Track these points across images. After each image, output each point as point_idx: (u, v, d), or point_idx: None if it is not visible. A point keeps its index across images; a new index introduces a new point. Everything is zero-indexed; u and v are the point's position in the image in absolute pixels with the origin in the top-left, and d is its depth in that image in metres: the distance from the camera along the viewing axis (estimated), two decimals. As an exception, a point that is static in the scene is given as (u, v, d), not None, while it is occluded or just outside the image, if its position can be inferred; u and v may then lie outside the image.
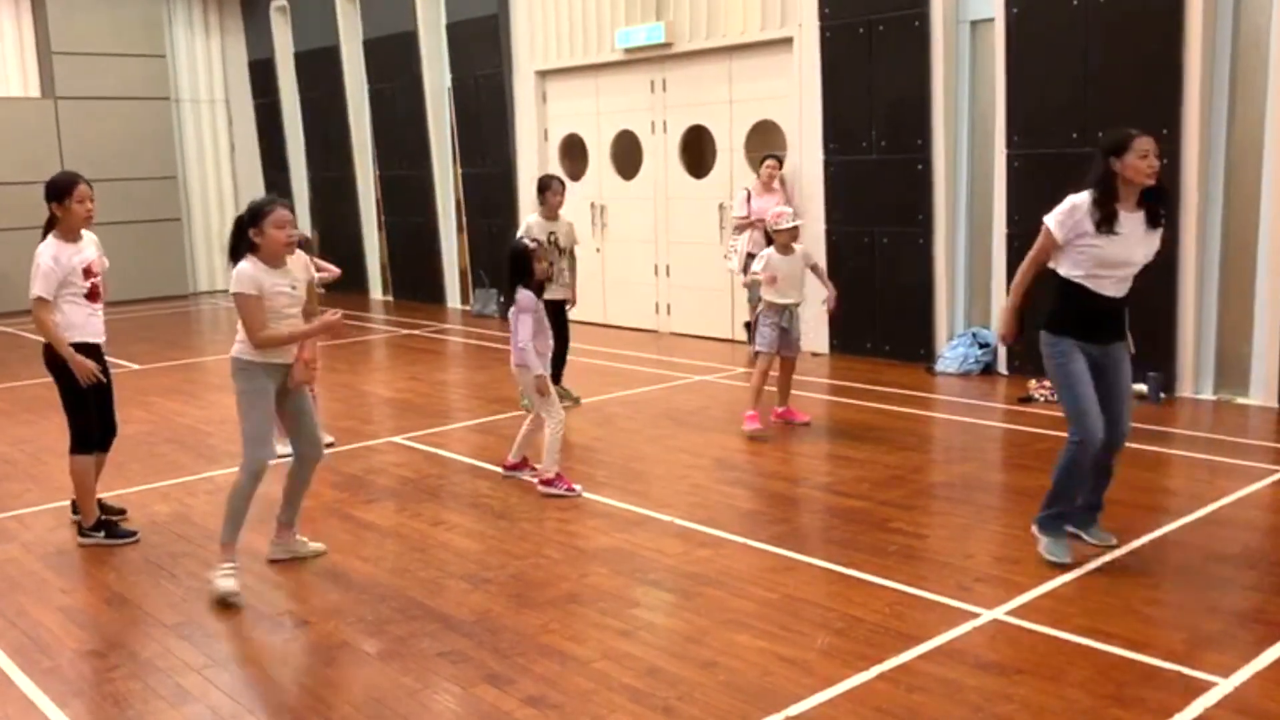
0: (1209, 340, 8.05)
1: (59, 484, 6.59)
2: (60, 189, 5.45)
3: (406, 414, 8.35)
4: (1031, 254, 4.85)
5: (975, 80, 9.28)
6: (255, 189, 17.39)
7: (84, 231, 5.64)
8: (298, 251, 5.02)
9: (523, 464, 6.54)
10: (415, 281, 15.21)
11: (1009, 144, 8.77)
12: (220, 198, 17.55)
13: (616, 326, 12.33)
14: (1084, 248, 4.65)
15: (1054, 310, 4.81)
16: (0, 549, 5.57)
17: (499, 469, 6.61)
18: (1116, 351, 4.85)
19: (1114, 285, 4.74)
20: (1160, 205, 4.72)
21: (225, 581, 4.79)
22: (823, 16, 9.88)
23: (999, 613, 4.37)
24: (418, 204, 14.63)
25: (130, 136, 16.06)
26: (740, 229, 10.31)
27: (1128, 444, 6.74)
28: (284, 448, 6.59)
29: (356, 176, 15.57)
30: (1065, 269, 4.75)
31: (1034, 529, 5.00)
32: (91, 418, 5.59)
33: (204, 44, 17.37)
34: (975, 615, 4.35)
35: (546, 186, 8.38)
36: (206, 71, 17.41)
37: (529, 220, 8.44)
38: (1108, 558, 4.92)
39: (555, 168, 13.05)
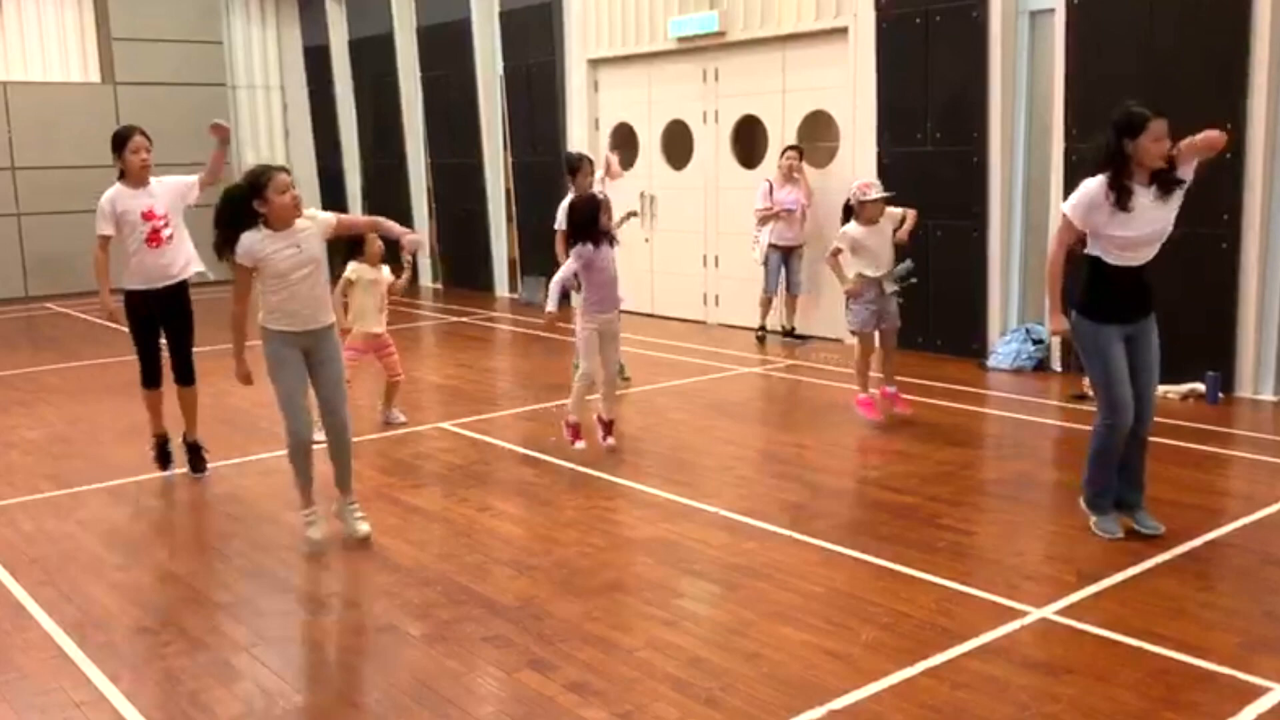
0: (1271, 339, 7.86)
1: (115, 463, 6.71)
2: (117, 140, 6.14)
3: (455, 400, 8.39)
4: (1055, 246, 4.94)
5: (1034, 72, 9.13)
6: (309, 175, 17.60)
7: (158, 180, 6.17)
8: (319, 214, 5.08)
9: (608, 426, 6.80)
10: (465, 269, 15.28)
11: (1067, 136, 8.62)
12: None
13: (664, 317, 12.31)
14: (1103, 229, 4.71)
15: (1085, 292, 4.88)
16: (56, 526, 5.68)
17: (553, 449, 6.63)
18: (1147, 325, 4.91)
19: (1139, 260, 4.80)
20: (1172, 175, 4.70)
21: (308, 529, 5.16)
22: (879, 7, 9.77)
23: (1048, 611, 4.30)
24: (468, 192, 14.69)
25: (187, 122, 16.15)
26: (764, 220, 10.27)
27: (1185, 443, 6.67)
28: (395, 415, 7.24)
29: (409, 164, 15.66)
30: (1094, 248, 4.83)
31: (1082, 503, 5.15)
32: (144, 357, 6.25)
33: (260, 31, 17.57)
34: (1024, 614, 4.29)
35: (577, 167, 8.33)
36: (262, 58, 17.61)
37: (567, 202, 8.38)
38: (1161, 558, 4.84)
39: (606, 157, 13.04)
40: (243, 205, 4.88)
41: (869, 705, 3.61)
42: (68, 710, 3.73)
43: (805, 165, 10.46)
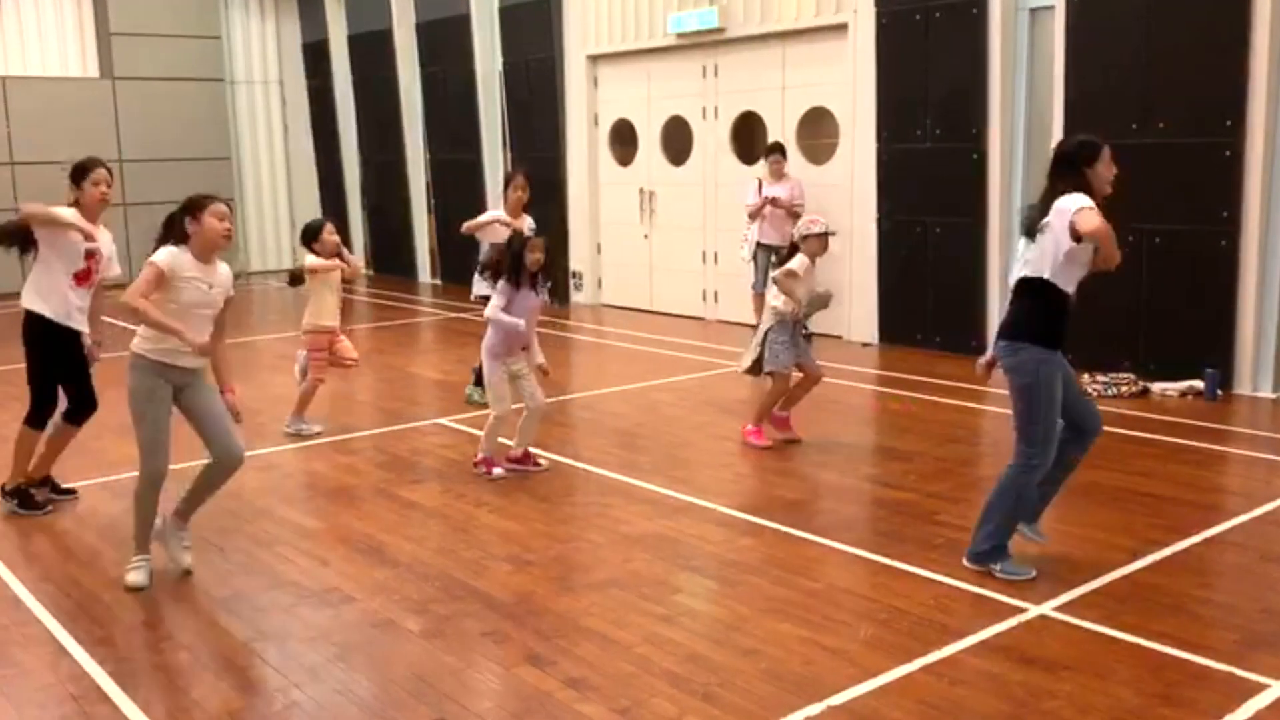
0: (1269, 337, 7.87)
1: (112, 458, 6.71)
2: (78, 171, 5.64)
3: (452, 396, 8.39)
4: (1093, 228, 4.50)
5: (1033, 68, 9.13)
6: (307, 170, 17.60)
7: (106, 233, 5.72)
8: (224, 267, 4.86)
9: (524, 457, 6.45)
10: (463, 265, 15.21)
11: (1067, 133, 8.62)
12: (273, 179, 17.75)
13: (663, 313, 12.31)
14: (1080, 253, 4.48)
15: (1041, 323, 4.58)
16: (54, 521, 5.68)
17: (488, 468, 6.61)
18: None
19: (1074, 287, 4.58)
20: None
21: (132, 574, 4.74)
22: (879, 3, 9.77)
23: (1046, 608, 4.31)
24: (467, 188, 14.67)
25: (186, 117, 16.27)
26: (753, 217, 10.27)
27: (1183, 440, 6.68)
28: (307, 427, 7.03)
29: (407, 160, 15.64)
30: (1059, 275, 4.51)
31: (973, 563, 4.71)
32: (45, 393, 5.71)
33: (259, 26, 17.54)
34: (1022, 610, 4.29)
35: (509, 181, 8.02)
36: (261, 53, 17.59)
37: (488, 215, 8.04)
38: (1159, 555, 4.84)
39: (604, 153, 13.05)
40: (178, 219, 4.71)
41: (867, 701, 3.62)
42: (66, 705, 3.73)
43: (805, 161, 10.44)
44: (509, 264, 6.18)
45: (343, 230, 12.13)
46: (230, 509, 5.79)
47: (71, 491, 6.05)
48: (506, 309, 6.14)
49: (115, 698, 3.76)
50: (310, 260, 7.24)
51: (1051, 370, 4.56)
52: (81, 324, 5.70)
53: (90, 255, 5.64)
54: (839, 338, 10.49)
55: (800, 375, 6.97)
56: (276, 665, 4.02)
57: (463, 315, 12.73)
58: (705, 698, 3.66)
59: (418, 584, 4.70)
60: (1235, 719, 3.47)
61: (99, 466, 6.58)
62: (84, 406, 5.83)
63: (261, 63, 17.61)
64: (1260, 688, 3.65)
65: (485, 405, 6.60)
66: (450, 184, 15.18)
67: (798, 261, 6.72)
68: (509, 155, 14.14)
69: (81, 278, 5.63)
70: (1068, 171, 4.57)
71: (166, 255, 4.63)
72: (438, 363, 9.99)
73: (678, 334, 11.03)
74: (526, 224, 7.64)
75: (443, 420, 7.60)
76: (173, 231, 4.72)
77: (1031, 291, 4.59)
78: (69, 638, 4.23)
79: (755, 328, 10.41)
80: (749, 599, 4.48)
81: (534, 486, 6.09)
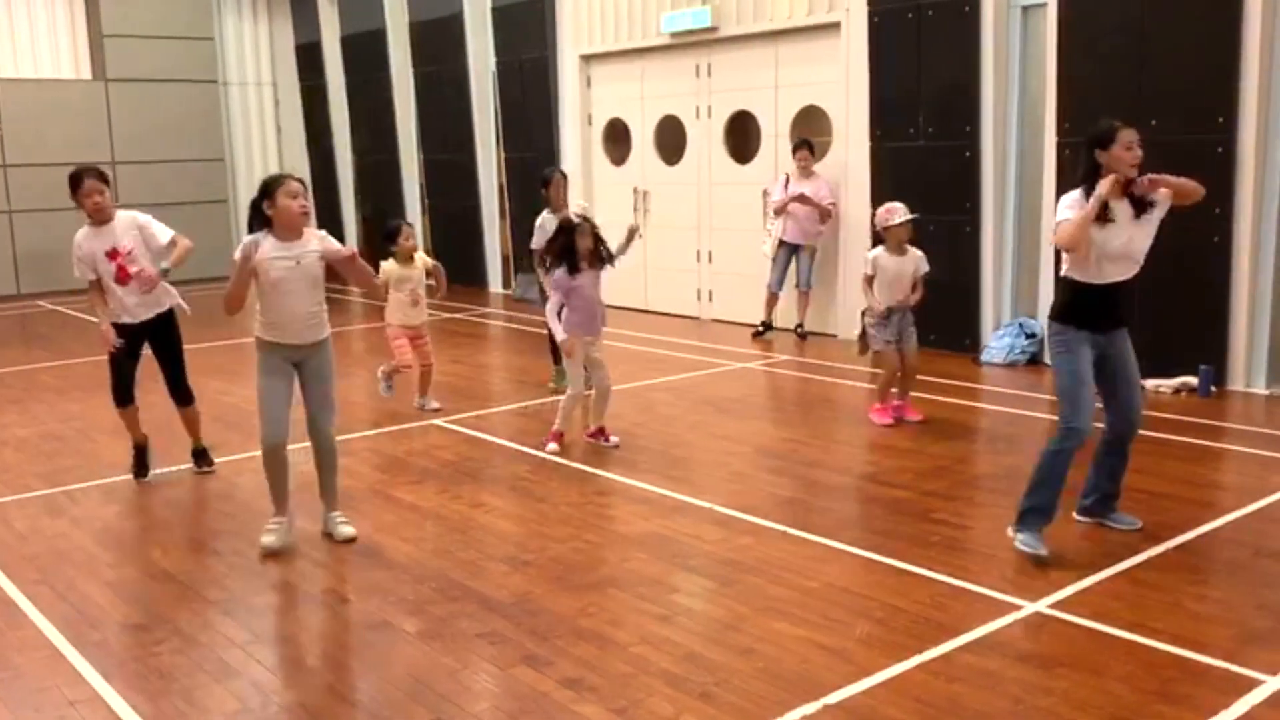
0: (1263, 333, 7.89)
1: (108, 460, 6.70)
2: (72, 182, 5.99)
3: (448, 397, 8.38)
4: (1056, 239, 4.85)
5: (1026, 66, 9.14)
6: (301, 172, 17.54)
7: (125, 214, 6.07)
8: (329, 239, 5.12)
9: (599, 432, 6.86)
10: (458, 265, 15.15)
11: (1059, 131, 8.64)
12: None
13: (657, 313, 12.31)
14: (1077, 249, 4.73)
15: (1062, 302, 4.90)
16: (50, 524, 5.66)
17: (541, 448, 6.63)
18: (1121, 338, 4.91)
19: (1118, 273, 4.80)
20: (1139, 198, 4.73)
21: (265, 537, 5.13)
22: (871, 1, 9.77)
23: (1042, 605, 4.32)
24: (461, 188, 14.67)
25: (179, 119, 16.26)
26: (778, 213, 10.25)
27: (1177, 437, 6.70)
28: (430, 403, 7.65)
29: (401, 160, 15.63)
30: (1070, 266, 4.85)
31: (1010, 530, 4.92)
32: (117, 376, 6.19)
33: (252, 27, 17.53)
34: (1018, 607, 4.30)
35: (548, 180, 8.37)
36: (254, 54, 17.57)
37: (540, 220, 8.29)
38: (1154, 552, 4.85)
39: (598, 152, 13.05)
40: (256, 207, 4.98)
41: (863, 700, 3.62)
42: (62, 708, 3.72)
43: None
44: (559, 250, 6.67)
45: (336, 231, 12.13)
46: (225, 511, 5.79)
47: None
48: (569, 295, 6.62)
49: (110, 700, 3.75)
50: (385, 266, 7.73)
51: (1073, 346, 4.77)
52: (136, 316, 6.08)
53: (113, 256, 5.97)
54: (834, 336, 10.50)
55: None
56: (272, 667, 4.01)
57: (458, 316, 12.73)
58: (703, 697, 3.66)
59: (414, 585, 4.70)
60: (1231, 715, 3.47)
61: (93, 469, 6.57)
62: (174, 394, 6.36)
63: (254, 64, 17.59)
64: (1256, 683, 3.65)
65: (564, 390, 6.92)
66: (444, 184, 15.17)
67: (870, 261, 7.14)
68: (502, 155, 14.13)
69: (122, 279, 5.99)
70: (1087, 157, 4.75)
71: (242, 244, 4.93)
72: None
73: (673, 333, 11.03)
74: (574, 209, 7.93)
75: (439, 421, 7.60)
76: (259, 217, 4.96)
77: (1057, 285, 4.93)
78: (65, 641, 4.22)
79: (764, 325, 10.43)
80: (746, 598, 4.49)
81: (531, 486, 6.09)
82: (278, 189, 4.91)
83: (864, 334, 7.29)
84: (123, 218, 6.04)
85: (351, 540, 5.24)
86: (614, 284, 13.13)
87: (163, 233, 6.06)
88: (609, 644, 4.07)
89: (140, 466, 6.38)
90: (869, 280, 7.15)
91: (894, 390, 7.32)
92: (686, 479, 6.15)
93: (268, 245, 4.92)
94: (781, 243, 10.29)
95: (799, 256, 10.37)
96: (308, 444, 5.29)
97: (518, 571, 4.83)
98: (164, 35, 16.09)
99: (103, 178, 6.02)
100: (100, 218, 5.98)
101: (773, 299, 10.51)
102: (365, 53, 15.82)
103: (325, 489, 5.35)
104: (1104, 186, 4.61)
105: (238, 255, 4.93)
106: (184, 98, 16.28)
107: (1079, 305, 4.83)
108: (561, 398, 6.91)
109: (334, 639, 4.29)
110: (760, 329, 10.59)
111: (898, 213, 7.06)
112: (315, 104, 17.26)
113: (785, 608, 4.37)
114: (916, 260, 7.19)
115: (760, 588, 4.58)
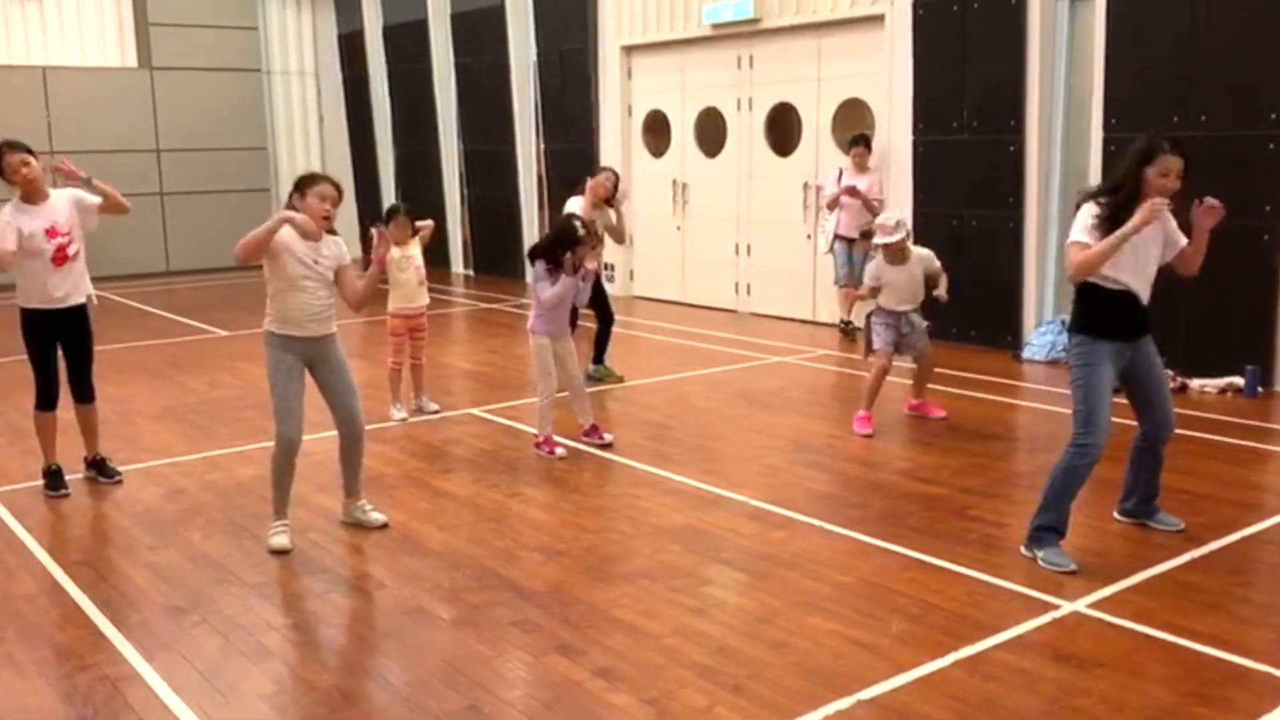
0: (1311, 333, 7.75)
1: (148, 445, 6.78)
2: None
3: (484, 387, 8.42)
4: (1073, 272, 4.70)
5: (1073, 60, 9.02)
6: (342, 161, 17.68)
7: (65, 191, 5.73)
8: (335, 239, 5.06)
9: (592, 430, 6.75)
10: (496, 256, 15.31)
11: (1106, 126, 8.52)
12: (308, 169, 17.75)
13: (695, 305, 12.29)
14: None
15: (1082, 312, 4.76)
16: (93, 506, 5.75)
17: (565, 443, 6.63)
18: (1147, 346, 4.81)
19: (1138, 282, 4.69)
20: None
21: (274, 539, 5.05)
22: (915, -7, 9.69)
23: (1080, 605, 4.27)
24: (500, 179, 14.71)
25: (222, 107, 16.41)
26: (831, 207, 10.17)
27: (1222, 437, 6.59)
28: (398, 411, 7.17)
29: (441, 150, 15.69)
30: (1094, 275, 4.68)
31: (1024, 549, 4.81)
32: (43, 377, 5.83)
33: (295, 17, 17.66)
34: (1056, 607, 4.25)
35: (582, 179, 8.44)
36: (297, 44, 17.70)
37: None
38: (1196, 553, 4.78)
39: (637, 144, 13.03)
40: (292, 194, 5.01)
41: (897, 696, 3.60)
42: (101, 687, 3.77)
43: (840, 154, 10.35)
44: (545, 246, 6.52)
45: (377, 220, 12.19)
46: (264, 495, 5.83)
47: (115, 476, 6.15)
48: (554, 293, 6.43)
49: (150, 680, 3.80)
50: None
51: (1093, 360, 4.64)
52: (59, 304, 5.73)
53: (52, 234, 5.61)
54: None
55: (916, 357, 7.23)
56: (308, 651, 4.05)
57: (494, 306, 12.77)
58: (735, 689, 3.65)
59: (449, 573, 4.72)
60: (1272, 719, 3.42)
61: (134, 453, 6.65)
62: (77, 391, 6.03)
63: (298, 53, 17.72)
64: (1299, 688, 3.60)
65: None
66: (483, 175, 15.22)
67: (871, 273, 7.06)
68: (541, 146, 14.15)
69: (59, 261, 5.65)
70: (1128, 166, 4.60)
71: (284, 212, 4.91)
72: (470, 353, 10.02)
73: (709, 326, 11.01)
74: (607, 217, 8.30)
75: (475, 410, 7.63)
76: (289, 206, 4.98)
77: (1080, 285, 4.73)
78: (105, 621, 4.28)
79: (846, 323, 10.28)
80: (780, 592, 4.47)
81: (565, 477, 6.10)
82: (310, 187, 4.92)
83: (869, 335, 7.16)
84: (60, 195, 5.69)
85: (384, 526, 5.27)
86: (651, 276, 13.23)
87: (92, 198, 5.80)
88: (641, 635, 4.07)
89: (56, 484, 5.95)
90: (874, 292, 7.03)
91: (911, 394, 7.32)
92: (721, 472, 6.13)
93: (292, 235, 4.89)
94: (837, 236, 10.18)
95: (853, 251, 10.25)
96: (317, 435, 5.19)
97: (552, 561, 4.84)
98: (209, 24, 16.25)
99: (26, 149, 5.58)
100: (32, 190, 5.55)
101: (843, 294, 10.30)
102: (407, 43, 15.89)
103: (351, 479, 5.35)
104: (1136, 221, 4.44)
105: (276, 217, 4.85)
106: (228, 86, 16.43)
107: (1101, 314, 4.69)
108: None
109: (370, 624, 4.32)
110: (843, 326, 10.29)
111: (885, 232, 6.83)
112: (357, 93, 17.37)
113: (819, 602, 4.35)
114: (924, 261, 7.00)
115: (794, 582, 4.57)
